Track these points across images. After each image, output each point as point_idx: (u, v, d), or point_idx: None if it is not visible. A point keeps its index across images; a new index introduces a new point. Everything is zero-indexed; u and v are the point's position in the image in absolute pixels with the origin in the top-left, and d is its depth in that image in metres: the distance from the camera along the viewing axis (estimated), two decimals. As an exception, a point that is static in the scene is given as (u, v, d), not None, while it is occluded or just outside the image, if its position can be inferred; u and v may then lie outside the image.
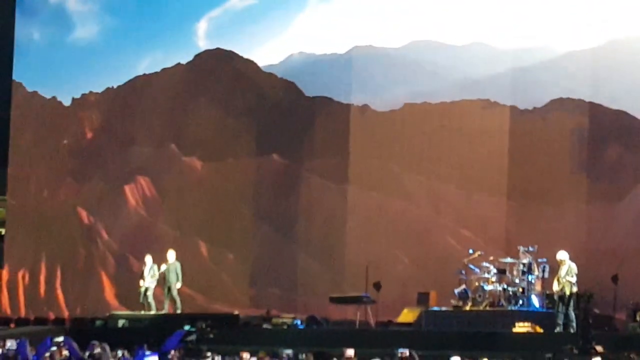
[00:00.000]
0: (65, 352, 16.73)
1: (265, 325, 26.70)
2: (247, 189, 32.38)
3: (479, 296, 24.19)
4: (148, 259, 28.48)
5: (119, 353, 18.64)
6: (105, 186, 35.33)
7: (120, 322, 27.93)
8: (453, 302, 24.59)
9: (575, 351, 20.03)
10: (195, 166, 33.64)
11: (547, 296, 23.66)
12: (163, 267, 27.91)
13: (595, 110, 26.92)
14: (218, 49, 33.72)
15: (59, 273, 35.77)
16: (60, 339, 17.57)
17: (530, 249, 24.09)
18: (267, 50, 32.51)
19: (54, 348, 17.11)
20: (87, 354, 16.48)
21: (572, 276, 22.42)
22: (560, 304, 22.44)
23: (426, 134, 29.38)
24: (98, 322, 29.23)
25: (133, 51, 35.37)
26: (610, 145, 26.96)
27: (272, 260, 31.38)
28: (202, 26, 33.97)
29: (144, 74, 35.14)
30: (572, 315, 22.24)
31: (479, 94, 28.66)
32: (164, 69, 34.69)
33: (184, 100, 34.23)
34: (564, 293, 22.37)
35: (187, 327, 24.33)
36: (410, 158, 29.48)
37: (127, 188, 34.69)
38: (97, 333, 24.39)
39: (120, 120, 35.69)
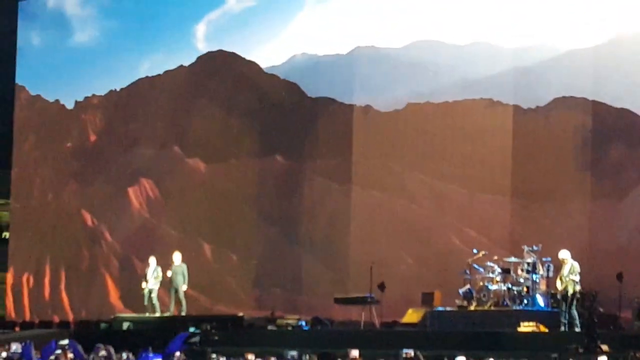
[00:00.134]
0: (70, 355, 16.70)
1: (269, 327, 26.74)
2: (250, 190, 32.35)
3: (484, 296, 24.17)
4: (152, 260, 28.53)
5: (124, 356, 18.66)
6: (108, 188, 35.33)
7: (125, 325, 27.96)
8: (457, 302, 24.60)
9: (581, 350, 20.01)
10: (198, 168, 33.63)
11: (552, 295, 23.63)
12: (170, 270, 27.94)
13: (598, 109, 26.85)
14: (220, 50, 33.70)
15: (63, 276, 35.81)
16: (65, 342, 17.53)
17: (535, 248, 24.09)
18: (269, 52, 32.48)
19: (59, 351, 17.07)
20: (91, 356, 16.45)
21: (575, 275, 22.35)
22: (564, 303, 22.41)
23: (429, 134, 29.33)
24: (103, 325, 29.29)
25: (134, 53, 35.38)
26: (614, 144, 26.88)
27: (276, 261, 31.34)
28: (200, 28, 33.99)
29: (147, 77, 35.17)
30: (575, 313, 22.20)
31: (481, 93, 28.60)
32: (166, 71, 34.67)
33: (186, 101, 34.22)
34: (567, 292, 22.34)
35: (191, 329, 24.39)
36: (413, 158, 29.44)
37: (130, 190, 34.70)
38: (102, 336, 24.45)
39: (123, 123, 35.69)
